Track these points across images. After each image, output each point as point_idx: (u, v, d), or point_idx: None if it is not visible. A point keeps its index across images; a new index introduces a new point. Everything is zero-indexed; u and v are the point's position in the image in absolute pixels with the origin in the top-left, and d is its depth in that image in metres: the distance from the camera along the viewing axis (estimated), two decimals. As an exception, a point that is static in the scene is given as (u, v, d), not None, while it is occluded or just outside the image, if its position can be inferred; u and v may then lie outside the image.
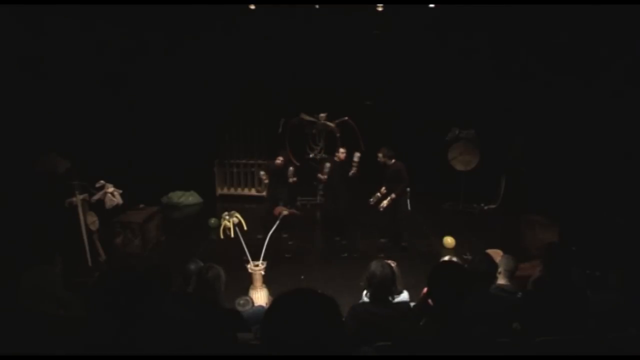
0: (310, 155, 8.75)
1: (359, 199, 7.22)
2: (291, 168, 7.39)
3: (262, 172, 7.35)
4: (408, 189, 6.82)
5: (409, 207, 6.96)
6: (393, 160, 6.79)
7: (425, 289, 3.55)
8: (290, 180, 7.27)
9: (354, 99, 8.73)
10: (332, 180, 7.35)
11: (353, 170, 7.24)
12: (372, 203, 6.85)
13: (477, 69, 8.32)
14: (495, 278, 3.49)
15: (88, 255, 5.94)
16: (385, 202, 6.69)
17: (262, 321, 1.31)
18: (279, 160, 7.25)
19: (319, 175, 7.55)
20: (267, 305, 1.42)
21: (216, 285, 3.25)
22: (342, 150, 7.34)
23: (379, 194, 6.83)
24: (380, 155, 6.77)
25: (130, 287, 2.26)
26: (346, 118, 8.00)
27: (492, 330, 2.52)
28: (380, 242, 7.16)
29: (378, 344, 2.54)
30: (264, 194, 7.88)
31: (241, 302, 4.76)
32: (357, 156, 7.30)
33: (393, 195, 6.67)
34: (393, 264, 3.85)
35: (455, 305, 2.19)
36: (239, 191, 9.81)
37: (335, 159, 7.30)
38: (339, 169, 7.28)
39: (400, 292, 3.49)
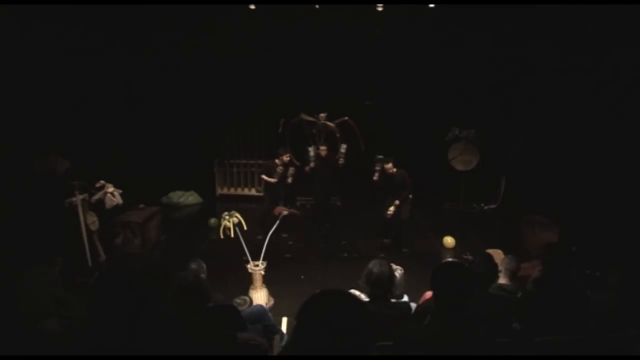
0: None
1: (357, 198, 7.20)
2: (291, 168, 7.37)
3: (268, 177, 7.21)
4: (410, 196, 6.84)
5: (408, 214, 6.98)
6: (395, 169, 6.83)
7: (427, 293, 3.55)
8: (289, 179, 7.26)
9: (354, 99, 8.71)
10: (320, 174, 7.57)
11: (340, 161, 7.45)
12: (389, 214, 6.79)
13: (477, 69, 8.32)
14: (496, 278, 3.49)
15: (88, 255, 5.94)
16: (392, 209, 6.75)
17: (296, 321, 1.33)
18: (286, 157, 7.21)
19: (306, 168, 7.67)
20: (299, 307, 1.43)
21: (201, 280, 3.16)
22: (343, 145, 7.50)
23: (393, 207, 6.77)
24: (390, 165, 6.78)
25: (128, 287, 2.25)
26: (346, 118, 7.99)
27: (492, 330, 2.52)
28: (384, 242, 7.17)
29: (379, 343, 2.53)
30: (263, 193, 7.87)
31: (238, 301, 4.74)
32: (343, 147, 7.50)
33: (397, 202, 6.75)
34: (400, 270, 3.84)
35: (459, 306, 2.19)
36: (239, 191, 9.81)
37: (320, 153, 7.49)
38: (326, 164, 7.50)
39: (399, 297, 3.48)
